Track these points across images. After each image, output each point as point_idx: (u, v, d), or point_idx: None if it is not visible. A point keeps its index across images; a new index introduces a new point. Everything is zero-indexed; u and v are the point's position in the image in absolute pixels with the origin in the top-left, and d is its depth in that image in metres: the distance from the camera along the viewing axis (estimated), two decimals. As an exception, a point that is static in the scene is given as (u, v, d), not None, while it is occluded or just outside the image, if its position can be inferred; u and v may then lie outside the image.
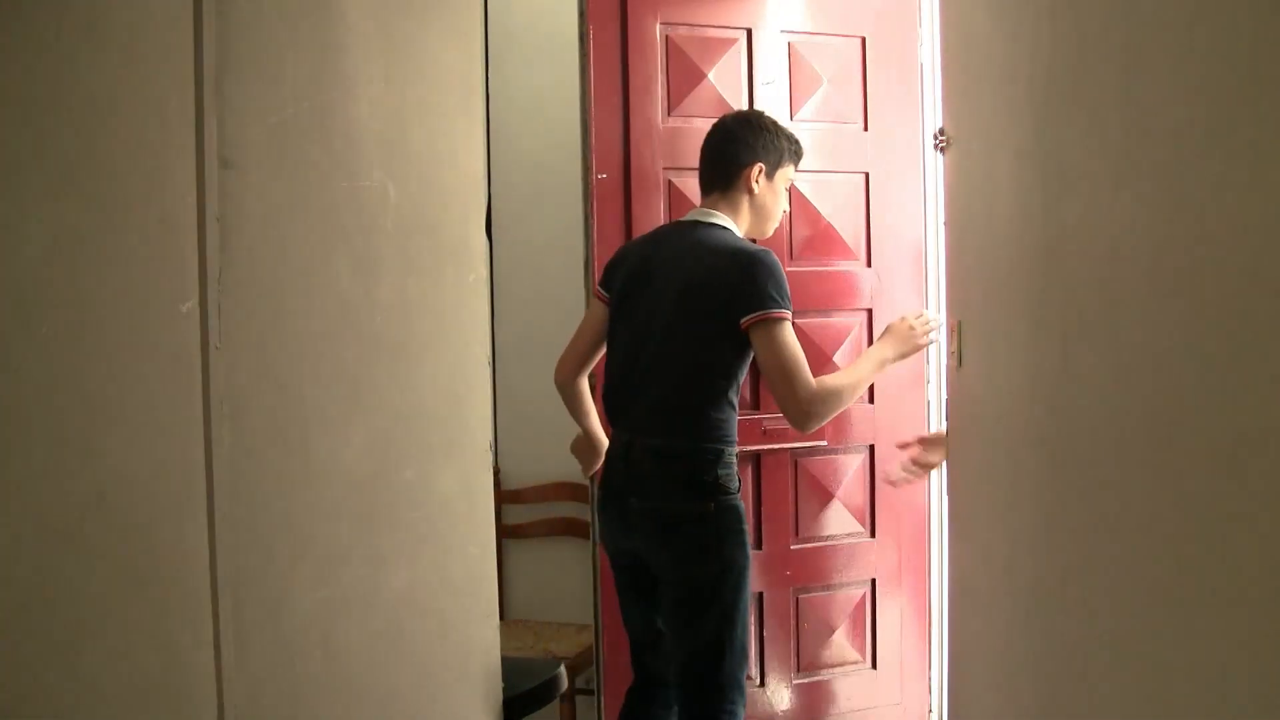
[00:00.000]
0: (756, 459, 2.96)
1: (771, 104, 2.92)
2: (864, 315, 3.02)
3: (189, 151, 1.27)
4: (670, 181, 2.88)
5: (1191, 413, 1.44)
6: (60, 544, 1.15)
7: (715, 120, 2.51)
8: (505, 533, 3.29)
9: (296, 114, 1.44)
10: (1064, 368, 1.84)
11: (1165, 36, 1.49)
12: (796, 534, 2.97)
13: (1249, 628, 1.32)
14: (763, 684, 2.96)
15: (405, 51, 1.62)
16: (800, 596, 2.96)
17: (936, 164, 2.90)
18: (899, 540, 3.05)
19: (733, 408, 2.30)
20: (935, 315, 2.57)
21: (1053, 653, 1.91)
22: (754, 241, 2.43)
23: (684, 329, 2.28)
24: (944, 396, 2.76)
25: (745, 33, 2.95)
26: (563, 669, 2.20)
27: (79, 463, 1.17)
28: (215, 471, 1.29)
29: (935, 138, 2.72)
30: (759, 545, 2.95)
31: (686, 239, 2.37)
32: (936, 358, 3.01)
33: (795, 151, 2.46)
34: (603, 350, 2.47)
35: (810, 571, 2.97)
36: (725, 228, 2.38)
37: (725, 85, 2.93)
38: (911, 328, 2.47)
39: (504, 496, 3.29)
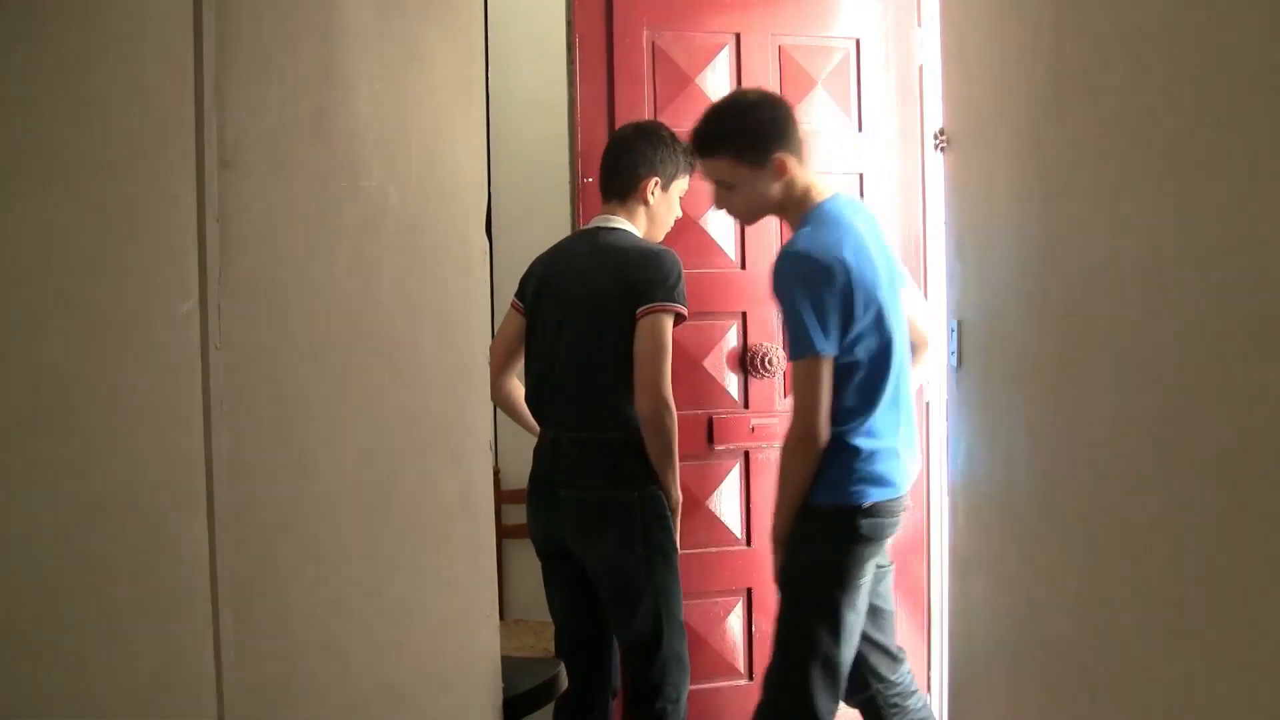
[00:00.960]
0: (745, 456, 2.98)
1: None
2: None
3: (189, 151, 1.27)
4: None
5: (1192, 412, 1.44)
6: (60, 545, 1.15)
7: (615, 131, 2.62)
8: (505, 533, 3.29)
9: (296, 114, 1.43)
10: (1064, 368, 1.84)
11: (1166, 37, 1.49)
12: None
13: (1249, 624, 1.32)
14: (751, 678, 2.97)
15: (405, 51, 1.62)
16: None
17: (936, 164, 2.90)
18: (895, 538, 3.05)
19: None
20: None
21: (1053, 652, 1.91)
22: None
23: (596, 326, 2.42)
24: (944, 396, 2.76)
25: (734, 37, 2.96)
26: (563, 669, 2.20)
27: (79, 463, 1.17)
28: (215, 471, 1.29)
29: (935, 138, 2.72)
30: (748, 542, 2.97)
31: (591, 244, 2.52)
32: (937, 358, 3.01)
33: (687, 166, 2.58)
34: (521, 357, 2.60)
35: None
36: (627, 231, 2.52)
37: (714, 89, 2.94)
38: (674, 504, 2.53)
39: (504, 496, 3.29)
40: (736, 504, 3.03)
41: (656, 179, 2.54)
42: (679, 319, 2.43)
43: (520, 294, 2.61)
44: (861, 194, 3.05)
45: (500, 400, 2.62)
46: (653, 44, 2.92)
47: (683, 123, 2.91)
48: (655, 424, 2.37)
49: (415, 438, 1.64)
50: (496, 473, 2.72)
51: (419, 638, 1.64)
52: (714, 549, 3.00)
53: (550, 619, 3.30)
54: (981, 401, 2.32)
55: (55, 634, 1.14)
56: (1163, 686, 1.53)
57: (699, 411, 2.97)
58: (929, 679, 3.13)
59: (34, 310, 1.14)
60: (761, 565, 3.01)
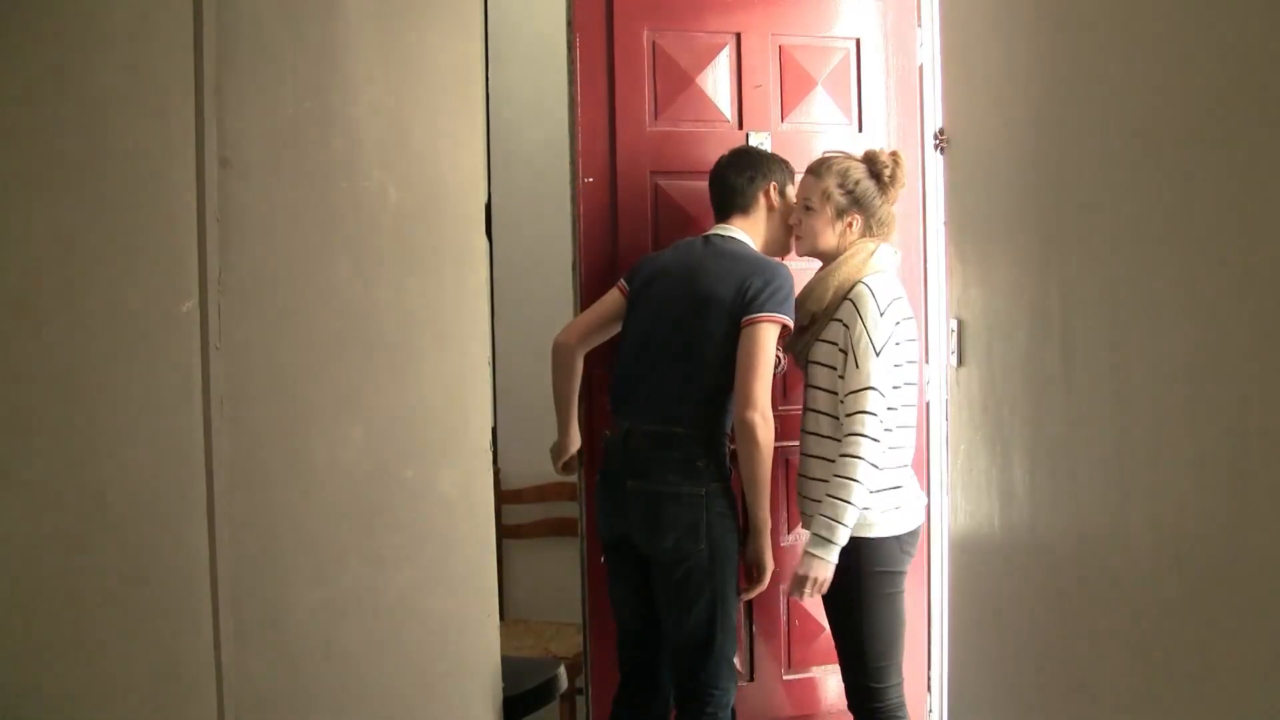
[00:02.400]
0: None
1: (761, 107, 2.94)
2: (855, 314, 3.03)
3: (189, 151, 1.27)
4: (658, 185, 2.91)
5: (1192, 411, 1.44)
6: (60, 544, 1.15)
7: (717, 162, 2.64)
8: (505, 533, 3.29)
9: (296, 114, 1.44)
10: (1064, 367, 1.84)
11: (1165, 37, 1.49)
12: (787, 529, 2.98)
13: (1249, 628, 1.32)
14: (752, 679, 2.97)
15: (406, 52, 1.62)
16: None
17: (936, 164, 2.90)
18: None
19: (732, 403, 2.42)
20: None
21: (1052, 652, 1.91)
22: None
23: (694, 324, 2.42)
24: (944, 396, 2.76)
25: (735, 37, 2.97)
26: (563, 669, 2.20)
27: (79, 463, 1.17)
28: (215, 471, 1.29)
29: (935, 138, 2.72)
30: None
31: (709, 247, 2.54)
32: (937, 358, 3.01)
33: (792, 175, 2.61)
34: (604, 336, 2.61)
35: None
36: (742, 241, 2.55)
37: (714, 89, 2.95)
38: (760, 575, 2.49)
39: (504, 496, 3.29)
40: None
41: (774, 182, 2.58)
42: (785, 332, 2.42)
43: (629, 279, 2.61)
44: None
45: (561, 365, 2.59)
46: (653, 43, 2.92)
47: (683, 122, 2.92)
48: (748, 431, 2.34)
49: (415, 438, 1.63)
50: (496, 473, 2.72)
51: (419, 638, 1.64)
52: None
53: (550, 619, 3.30)
54: (981, 401, 2.32)
55: (55, 634, 1.14)
56: (1161, 687, 1.53)
57: None
58: (929, 679, 3.13)
59: (34, 310, 1.14)
60: None
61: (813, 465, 2.42)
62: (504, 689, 1.86)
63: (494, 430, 1.81)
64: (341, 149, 1.51)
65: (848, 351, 2.30)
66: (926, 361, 3.09)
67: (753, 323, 2.36)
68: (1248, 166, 1.30)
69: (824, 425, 2.39)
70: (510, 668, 1.91)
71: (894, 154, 2.48)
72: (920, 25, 3.08)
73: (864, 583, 2.35)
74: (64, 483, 1.15)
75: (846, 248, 2.43)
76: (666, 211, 2.88)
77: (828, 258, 2.47)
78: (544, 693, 2.11)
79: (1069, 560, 1.85)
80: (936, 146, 2.71)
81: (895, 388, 2.32)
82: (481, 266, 1.79)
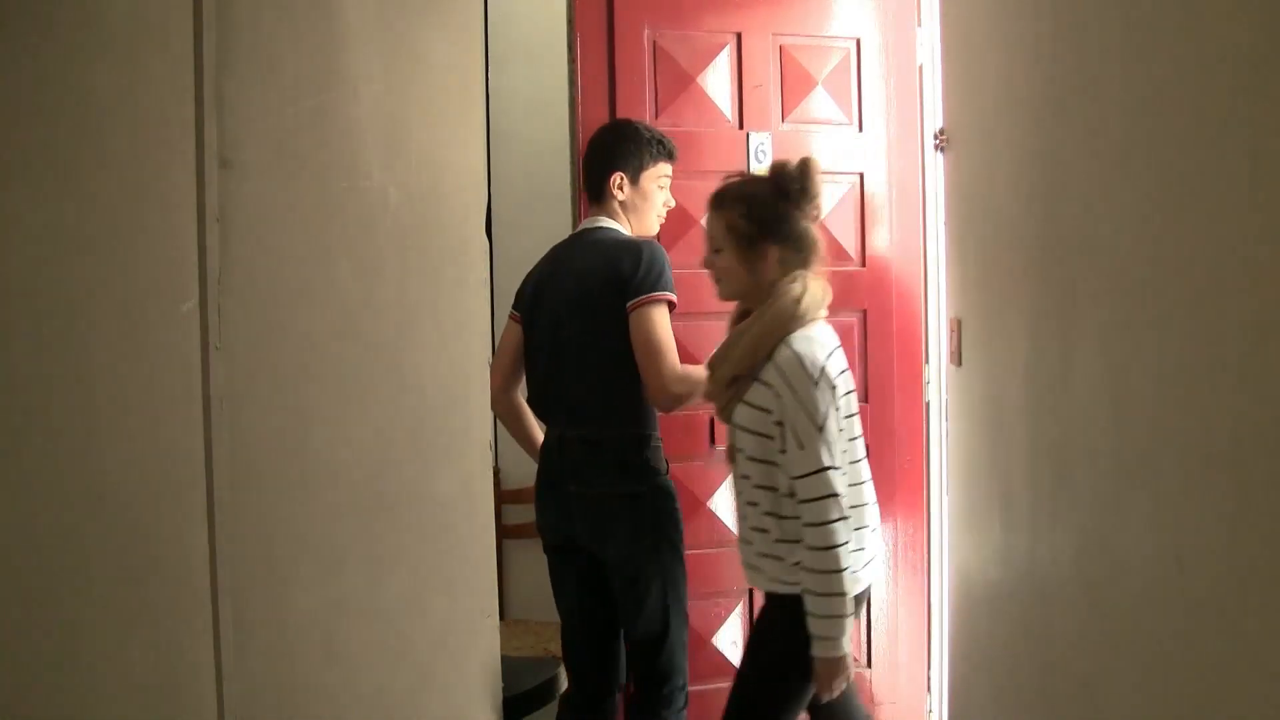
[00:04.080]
0: None
1: (761, 107, 2.94)
2: (859, 316, 3.03)
3: (189, 151, 1.27)
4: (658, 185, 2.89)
5: (1192, 411, 1.44)
6: (60, 544, 1.15)
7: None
8: (505, 533, 3.29)
9: (296, 114, 1.43)
10: (1064, 367, 1.84)
11: (1165, 37, 1.49)
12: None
13: (1250, 627, 1.32)
14: None
15: (406, 51, 1.62)
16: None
17: (936, 164, 2.90)
18: (893, 537, 3.05)
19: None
20: None
21: (1052, 651, 1.91)
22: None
23: (585, 325, 2.45)
24: (944, 396, 2.76)
25: (735, 36, 2.96)
26: (562, 669, 2.20)
27: (79, 463, 1.17)
28: (215, 471, 1.29)
29: (935, 138, 2.72)
30: None
31: (579, 245, 2.56)
32: (937, 357, 3.01)
33: (659, 154, 2.58)
34: (522, 366, 2.63)
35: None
36: (610, 228, 2.55)
37: (714, 88, 2.95)
38: None
39: (504, 496, 3.29)
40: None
41: (620, 174, 2.57)
42: (671, 307, 2.44)
43: (517, 304, 2.64)
44: (861, 194, 3.04)
45: (504, 413, 2.63)
46: (654, 43, 2.92)
47: (683, 122, 2.92)
48: (676, 406, 2.42)
49: (415, 437, 1.64)
50: (496, 473, 2.72)
51: (419, 637, 1.64)
52: (714, 549, 2.99)
53: (550, 619, 3.30)
54: (981, 401, 2.32)
55: (55, 634, 1.14)
56: (1162, 689, 1.53)
57: (700, 412, 2.97)
58: (929, 679, 3.13)
59: (34, 310, 1.14)
60: None
61: (752, 534, 2.18)
62: (504, 689, 1.87)
63: (494, 430, 1.81)
64: (341, 149, 1.51)
65: (784, 425, 2.03)
66: (926, 361, 3.09)
67: (636, 308, 2.37)
68: (1248, 166, 1.30)
69: (760, 497, 2.12)
70: (510, 668, 1.91)
71: (804, 162, 2.17)
72: (920, 25, 3.08)
73: (790, 642, 2.07)
74: (63, 482, 1.15)
75: (771, 282, 2.12)
76: (668, 210, 2.88)
77: (751, 298, 2.17)
78: (544, 693, 2.12)
79: (1069, 560, 1.85)
80: (936, 146, 2.71)
81: (844, 449, 2.07)
82: (481, 266, 1.79)
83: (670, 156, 2.59)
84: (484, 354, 1.80)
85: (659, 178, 2.59)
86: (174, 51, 1.26)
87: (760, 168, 2.66)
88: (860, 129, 3.06)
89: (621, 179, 2.55)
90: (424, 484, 1.64)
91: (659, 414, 2.49)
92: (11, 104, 1.11)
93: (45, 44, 1.14)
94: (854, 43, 3.04)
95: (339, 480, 1.50)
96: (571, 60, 2.86)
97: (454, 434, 1.71)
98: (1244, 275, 1.30)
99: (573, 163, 2.87)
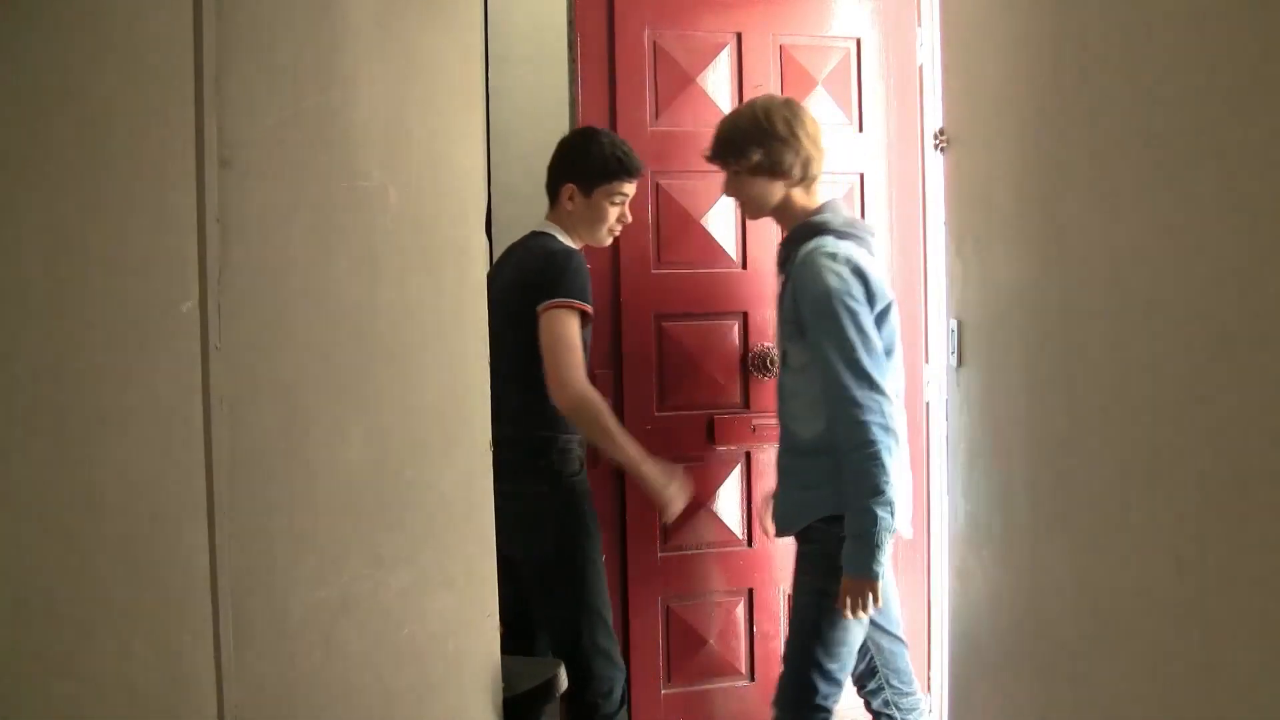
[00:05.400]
0: (746, 457, 2.98)
1: None
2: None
3: (189, 151, 1.27)
4: (659, 184, 2.91)
5: (1192, 409, 1.44)
6: (60, 544, 1.15)
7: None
8: (506, 532, 3.29)
9: (296, 114, 1.43)
10: (1064, 367, 1.84)
11: (1166, 37, 1.49)
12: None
13: (1247, 627, 1.32)
14: (753, 679, 2.97)
15: (405, 51, 1.62)
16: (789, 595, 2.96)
17: (936, 164, 2.90)
18: (895, 538, 3.04)
19: None
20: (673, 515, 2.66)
21: (1053, 651, 1.91)
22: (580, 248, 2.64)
23: (509, 328, 2.47)
24: (944, 396, 2.77)
25: (735, 36, 2.97)
26: (563, 669, 2.20)
27: (79, 463, 1.17)
28: (215, 471, 1.29)
29: (935, 138, 2.72)
30: (749, 542, 2.97)
31: (517, 252, 2.63)
32: (937, 357, 3.01)
33: (616, 171, 2.59)
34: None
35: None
36: (550, 235, 2.60)
37: (715, 89, 2.95)
38: (664, 498, 2.59)
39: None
40: (737, 504, 3.03)
41: (572, 185, 2.60)
42: (585, 318, 2.46)
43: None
44: (862, 195, 3.05)
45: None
46: (654, 43, 2.92)
47: (683, 122, 2.92)
48: (573, 416, 2.44)
49: (415, 438, 1.64)
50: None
51: (418, 638, 1.64)
52: (715, 549, 3.00)
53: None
54: (981, 401, 2.32)
55: (55, 634, 1.14)
56: (1162, 686, 1.53)
57: (700, 411, 2.97)
58: (929, 678, 3.13)
59: (34, 310, 1.14)
60: (763, 565, 3.01)
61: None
62: (504, 689, 1.86)
63: (494, 430, 1.82)
64: (341, 149, 1.51)
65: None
66: (926, 361, 3.09)
67: (544, 311, 2.42)
68: (1248, 167, 1.30)
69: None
70: (510, 668, 1.91)
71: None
72: (920, 25, 3.08)
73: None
74: (63, 482, 1.15)
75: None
76: (668, 211, 2.89)
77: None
78: (544, 693, 2.11)
79: (1068, 561, 1.85)
80: (936, 146, 2.71)
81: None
82: (481, 266, 1.79)
83: (629, 174, 2.59)
84: (484, 354, 1.79)
85: (613, 194, 2.60)
86: (174, 51, 1.26)
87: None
88: (860, 129, 3.07)
89: (573, 191, 2.58)
90: (424, 484, 1.64)
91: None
92: (12, 104, 1.11)
93: (45, 44, 1.14)
94: (854, 43, 3.05)
95: (339, 480, 1.50)
96: (572, 60, 2.87)
97: (454, 434, 1.71)
98: (1244, 274, 1.30)
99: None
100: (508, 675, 1.88)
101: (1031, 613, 2.02)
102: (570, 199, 2.61)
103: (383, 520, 1.57)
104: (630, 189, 2.63)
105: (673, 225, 2.90)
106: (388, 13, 1.59)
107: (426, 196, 1.66)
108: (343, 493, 1.51)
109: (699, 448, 2.96)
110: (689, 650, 2.97)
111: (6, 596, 1.10)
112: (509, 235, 3.24)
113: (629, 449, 2.49)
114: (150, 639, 1.23)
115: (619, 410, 2.81)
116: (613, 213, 2.63)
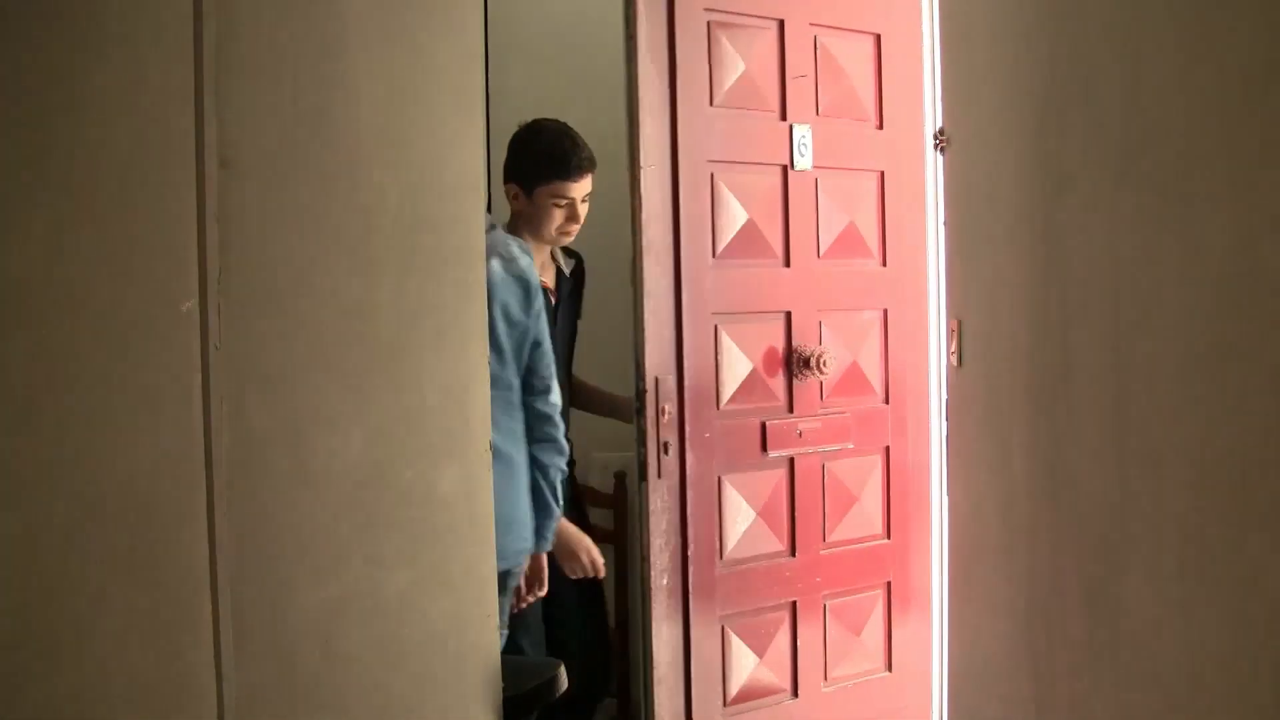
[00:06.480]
0: (790, 463, 2.86)
1: (803, 98, 2.82)
2: (880, 314, 2.96)
3: (189, 151, 1.27)
4: (713, 174, 2.71)
5: (1191, 411, 1.44)
6: (60, 544, 1.15)
7: None
8: (505, 532, 3.28)
9: (296, 114, 1.44)
10: (1064, 368, 1.84)
11: (1166, 38, 1.49)
12: (824, 539, 2.91)
13: (1249, 626, 1.32)
14: (797, 695, 2.88)
15: (405, 52, 1.62)
16: (829, 603, 2.91)
17: (936, 164, 2.89)
18: (908, 541, 3.03)
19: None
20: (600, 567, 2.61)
21: (1054, 649, 1.91)
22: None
23: None
24: (944, 396, 2.76)
25: (778, 24, 2.84)
26: (562, 669, 2.20)
27: (79, 462, 1.17)
28: (215, 471, 1.29)
29: (935, 137, 2.71)
30: (792, 553, 2.85)
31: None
32: (937, 357, 3.01)
33: (550, 172, 2.45)
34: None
35: (837, 576, 2.91)
36: (497, 231, 2.43)
37: (761, 77, 2.79)
38: (577, 555, 2.54)
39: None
40: (783, 513, 2.91)
41: (513, 185, 2.48)
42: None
43: None
44: (882, 192, 2.95)
45: None
46: (709, 24, 2.77)
47: (734, 110, 2.79)
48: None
49: (415, 438, 1.64)
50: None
51: (418, 638, 1.64)
52: (764, 562, 2.88)
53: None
54: (981, 401, 2.32)
55: (55, 634, 1.14)
56: (1164, 685, 1.53)
57: (753, 419, 2.83)
58: (929, 678, 3.13)
59: (34, 310, 1.14)
60: (805, 576, 2.90)
61: None
62: (504, 689, 1.86)
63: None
64: (341, 149, 1.51)
65: None
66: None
67: None
68: (1248, 167, 1.30)
69: None
70: (510, 668, 1.91)
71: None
72: (925, 22, 3.06)
73: None
74: (64, 482, 1.15)
75: None
76: (720, 199, 2.71)
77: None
78: (544, 693, 2.11)
79: (1069, 561, 1.85)
80: (936, 146, 2.70)
81: None
82: (481, 266, 1.79)
83: (566, 175, 2.44)
84: (484, 354, 1.79)
85: (553, 195, 2.46)
86: (174, 52, 1.26)
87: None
88: (880, 125, 3.01)
89: (516, 191, 2.48)
90: (424, 484, 1.65)
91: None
92: (12, 104, 1.11)
93: (46, 44, 1.15)
94: (874, 38, 2.98)
95: (339, 480, 1.50)
96: (629, 37, 2.67)
97: (454, 434, 1.71)
98: (1245, 273, 1.30)
99: (631, 148, 2.67)
100: (508, 675, 1.88)
101: (1033, 611, 2.02)
102: (515, 199, 2.49)
103: (383, 520, 1.57)
104: (574, 190, 2.47)
105: (722, 222, 2.74)
106: (388, 13, 1.59)
107: (426, 196, 1.66)
108: (343, 493, 1.51)
109: (752, 456, 2.82)
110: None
111: (7, 596, 1.10)
112: (509, 235, 3.23)
113: None
114: (150, 639, 1.23)
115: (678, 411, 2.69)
116: (556, 214, 2.50)
